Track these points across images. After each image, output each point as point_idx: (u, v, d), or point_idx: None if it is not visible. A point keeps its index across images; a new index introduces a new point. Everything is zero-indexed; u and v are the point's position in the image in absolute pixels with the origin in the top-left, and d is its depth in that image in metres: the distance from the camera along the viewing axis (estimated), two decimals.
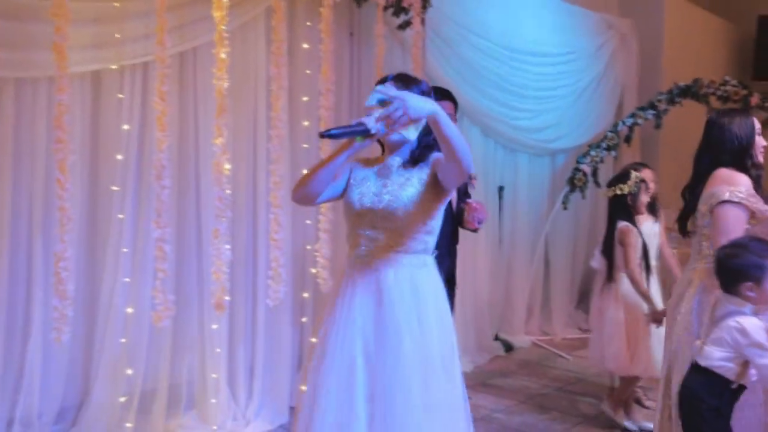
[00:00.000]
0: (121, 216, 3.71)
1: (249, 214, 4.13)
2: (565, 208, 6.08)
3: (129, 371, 3.69)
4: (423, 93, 2.28)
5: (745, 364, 2.47)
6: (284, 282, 3.87)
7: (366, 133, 2.16)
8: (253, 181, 4.13)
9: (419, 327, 2.25)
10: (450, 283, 3.48)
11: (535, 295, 6.46)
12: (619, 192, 4.18)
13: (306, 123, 4.20)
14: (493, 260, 5.95)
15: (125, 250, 3.72)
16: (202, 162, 3.93)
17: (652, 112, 6.14)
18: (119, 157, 3.68)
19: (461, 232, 3.72)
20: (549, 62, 6.26)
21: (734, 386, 2.48)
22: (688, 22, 7.54)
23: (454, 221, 3.57)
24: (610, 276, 4.24)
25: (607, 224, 4.31)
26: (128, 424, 3.66)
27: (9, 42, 3.27)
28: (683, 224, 3.03)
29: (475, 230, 3.67)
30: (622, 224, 4.14)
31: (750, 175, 2.81)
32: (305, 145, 4.22)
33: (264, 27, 4.04)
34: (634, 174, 4.19)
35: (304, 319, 4.34)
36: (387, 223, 2.29)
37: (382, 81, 2.35)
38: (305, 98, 4.19)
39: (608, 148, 6.13)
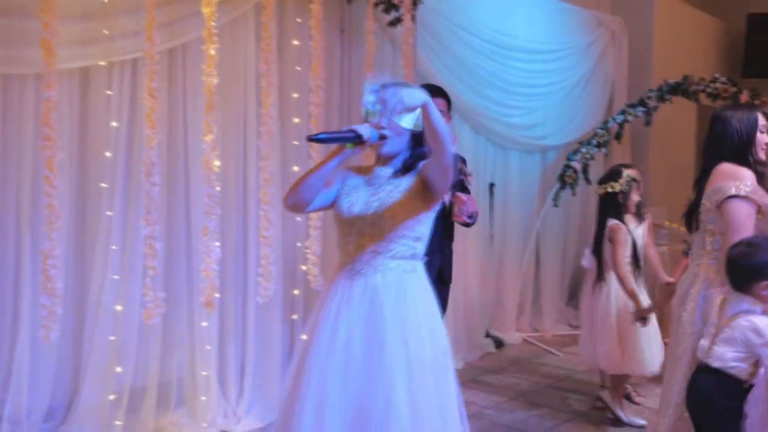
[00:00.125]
0: (110, 213, 3.69)
1: (239, 211, 4.12)
2: (556, 205, 6.10)
3: (118, 369, 3.67)
4: None
5: (756, 363, 2.44)
6: (274, 279, 3.86)
7: (357, 140, 2.16)
8: (243, 178, 4.12)
9: (407, 332, 2.24)
10: (443, 280, 3.45)
11: (525, 291, 6.47)
12: (610, 190, 4.19)
13: (296, 120, 4.19)
14: (483, 257, 5.94)
15: (114, 247, 3.70)
16: (192, 159, 3.91)
17: (642, 109, 6.15)
18: (108, 154, 3.67)
19: (455, 229, 3.65)
20: (539, 59, 6.27)
21: (746, 386, 2.44)
22: (678, 20, 7.56)
23: (445, 216, 3.48)
24: (601, 275, 4.25)
25: (597, 222, 4.32)
26: (118, 422, 3.64)
27: None
28: (689, 219, 2.95)
29: (467, 225, 3.52)
30: (612, 222, 4.14)
31: (753, 170, 2.75)
32: (295, 142, 4.21)
33: (254, 23, 4.03)
34: (625, 172, 4.20)
35: (294, 317, 4.32)
36: (375, 229, 2.29)
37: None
38: (295, 95, 4.18)
39: (599, 145, 6.14)
